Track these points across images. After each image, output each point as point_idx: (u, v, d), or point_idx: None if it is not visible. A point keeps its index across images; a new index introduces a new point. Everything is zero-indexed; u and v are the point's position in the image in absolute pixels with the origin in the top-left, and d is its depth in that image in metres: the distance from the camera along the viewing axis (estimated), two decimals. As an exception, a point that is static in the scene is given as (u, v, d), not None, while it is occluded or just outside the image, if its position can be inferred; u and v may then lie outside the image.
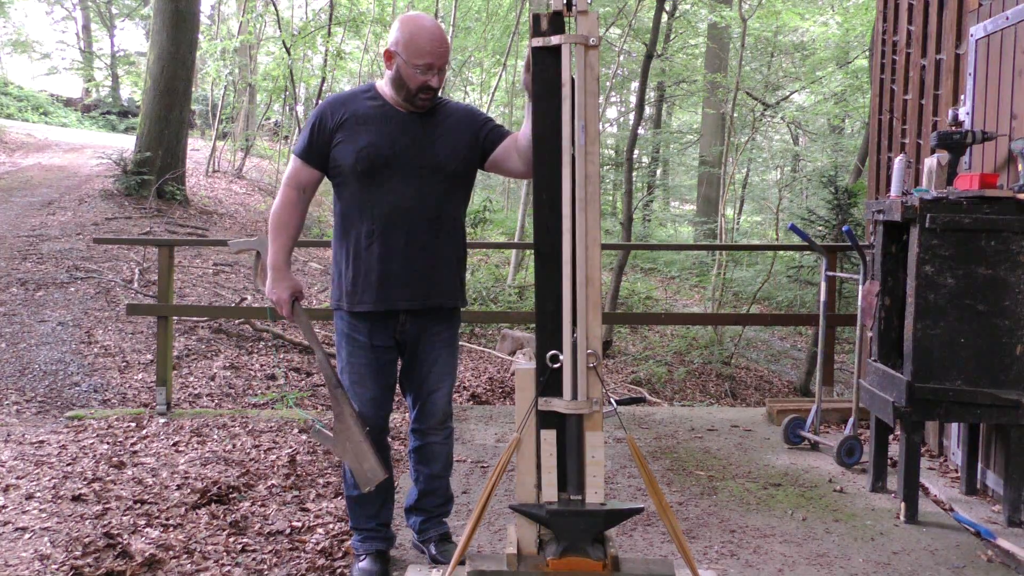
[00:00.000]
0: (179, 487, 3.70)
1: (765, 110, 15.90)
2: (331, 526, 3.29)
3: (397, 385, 2.89)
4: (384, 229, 2.66)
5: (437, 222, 2.70)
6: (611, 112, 25.10)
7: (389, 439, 2.90)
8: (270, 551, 3.06)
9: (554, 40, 2.38)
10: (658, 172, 23.27)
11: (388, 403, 2.83)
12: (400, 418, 4.93)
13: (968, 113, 3.95)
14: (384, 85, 2.73)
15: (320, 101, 15.18)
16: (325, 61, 14.49)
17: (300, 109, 17.85)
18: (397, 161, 2.65)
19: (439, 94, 2.73)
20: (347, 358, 2.77)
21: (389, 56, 2.65)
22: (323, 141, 2.70)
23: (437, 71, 2.61)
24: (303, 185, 2.76)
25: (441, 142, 2.69)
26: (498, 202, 19.63)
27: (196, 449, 4.32)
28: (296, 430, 4.71)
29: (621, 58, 18.54)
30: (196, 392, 6.35)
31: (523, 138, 2.64)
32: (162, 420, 4.93)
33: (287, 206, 2.76)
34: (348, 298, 2.73)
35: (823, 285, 4.66)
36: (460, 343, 2.96)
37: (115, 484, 3.74)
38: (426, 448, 2.88)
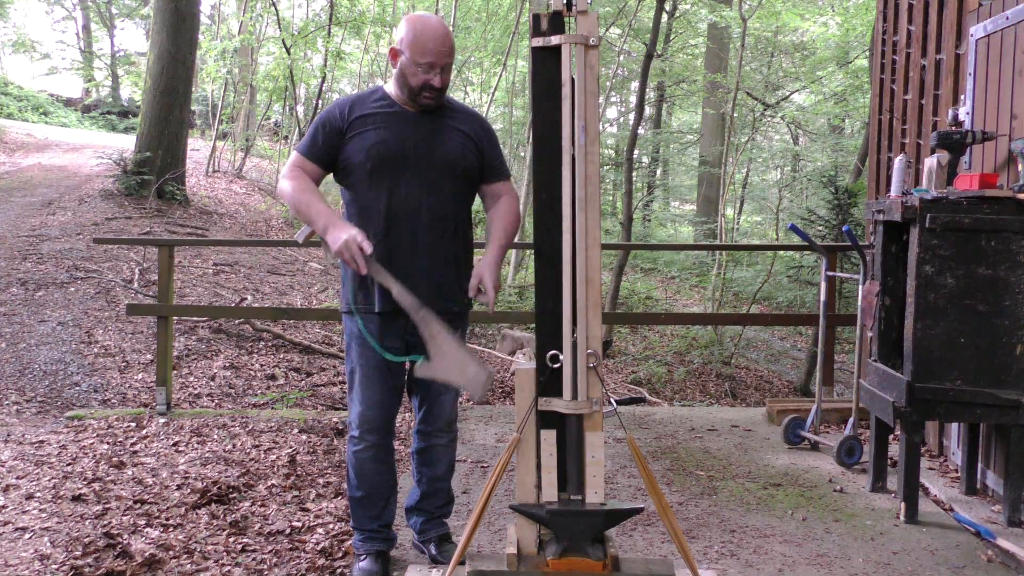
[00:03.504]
0: (179, 487, 3.70)
1: (765, 110, 15.90)
2: (331, 526, 3.29)
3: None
4: (390, 229, 2.65)
5: (443, 223, 2.70)
6: (611, 112, 25.10)
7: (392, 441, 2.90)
8: (270, 551, 3.06)
9: (554, 40, 2.38)
10: (658, 172, 23.26)
11: (395, 406, 2.82)
12: (400, 418, 4.93)
13: (968, 113, 3.95)
14: (391, 85, 2.73)
15: (320, 101, 15.20)
16: (325, 61, 14.49)
17: (300, 109, 17.86)
18: (406, 160, 2.64)
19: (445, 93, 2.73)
20: (356, 359, 2.75)
21: (394, 54, 2.65)
22: (330, 141, 2.68)
23: (440, 70, 2.60)
24: (307, 175, 2.71)
25: (451, 143, 2.69)
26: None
27: (196, 449, 4.32)
28: (296, 430, 4.71)
29: (621, 58, 18.54)
30: (196, 392, 6.35)
31: (495, 211, 2.77)
32: (162, 420, 4.93)
33: (303, 181, 2.66)
34: (356, 299, 2.72)
35: (823, 285, 4.66)
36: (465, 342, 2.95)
37: (115, 484, 3.74)
38: (430, 450, 2.88)
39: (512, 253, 13.52)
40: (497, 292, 2.71)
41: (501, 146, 2.96)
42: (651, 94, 18.88)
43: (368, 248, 2.51)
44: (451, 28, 15.52)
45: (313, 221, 2.61)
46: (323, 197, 2.70)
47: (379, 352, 2.70)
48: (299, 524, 3.30)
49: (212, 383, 6.57)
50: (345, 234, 2.51)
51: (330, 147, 2.69)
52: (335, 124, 2.67)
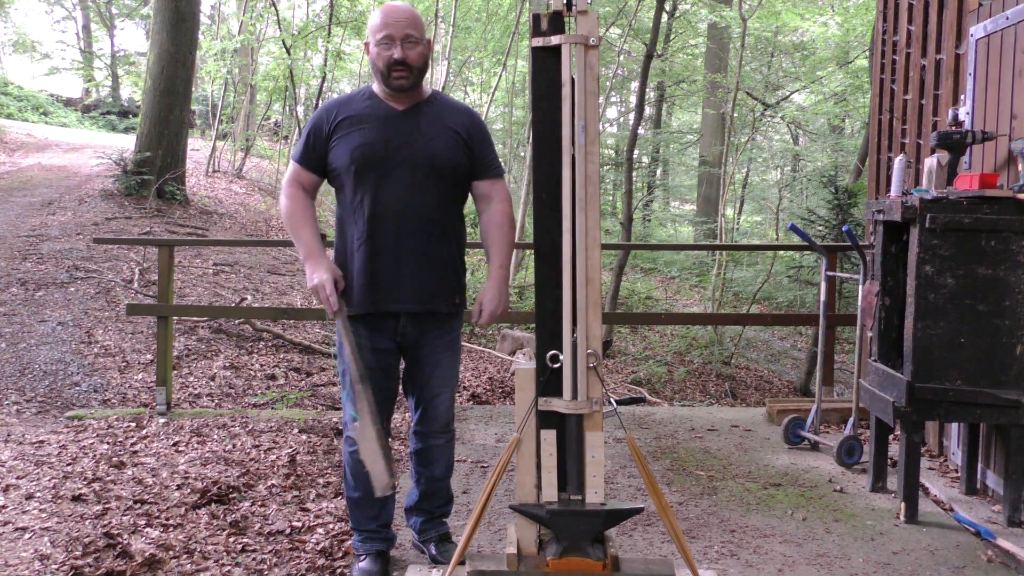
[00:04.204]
0: (179, 487, 3.70)
1: (765, 110, 15.89)
2: (331, 526, 3.29)
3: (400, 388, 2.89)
4: (374, 231, 2.64)
5: (430, 224, 2.68)
6: (611, 112, 25.11)
7: (389, 440, 2.89)
8: (270, 551, 3.06)
9: (554, 40, 2.38)
10: (658, 172, 23.27)
11: (389, 406, 2.82)
12: (400, 418, 4.93)
13: (968, 113, 3.95)
14: (376, 83, 2.73)
15: (320, 101, 15.22)
16: (325, 61, 14.50)
17: (300, 109, 17.86)
18: (391, 160, 2.63)
19: (423, 77, 2.69)
20: (349, 360, 2.75)
21: (366, 47, 2.68)
22: (320, 145, 2.69)
23: (400, 43, 2.58)
24: (304, 187, 2.75)
25: (438, 141, 2.67)
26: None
27: (196, 449, 4.32)
28: (296, 430, 4.71)
29: (621, 58, 18.54)
30: (196, 392, 6.35)
31: (487, 221, 2.76)
32: (162, 420, 4.93)
33: (298, 200, 2.72)
34: (346, 302, 2.72)
35: (823, 285, 4.66)
36: (460, 343, 2.94)
37: (115, 484, 3.74)
38: (428, 451, 2.87)
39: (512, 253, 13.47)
40: (501, 315, 2.75)
41: (497, 144, 2.95)
42: (651, 94, 18.88)
43: (334, 302, 2.59)
44: (451, 28, 15.52)
45: (297, 248, 2.69)
46: (312, 221, 2.73)
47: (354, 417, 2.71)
48: (299, 524, 3.30)
49: (212, 383, 6.58)
50: (317, 277, 2.60)
51: (320, 153, 2.70)
52: (322, 129, 2.69)
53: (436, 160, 2.66)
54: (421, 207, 2.65)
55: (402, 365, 2.85)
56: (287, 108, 18.93)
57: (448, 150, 2.67)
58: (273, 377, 6.99)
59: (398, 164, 2.63)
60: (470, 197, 2.86)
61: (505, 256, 2.76)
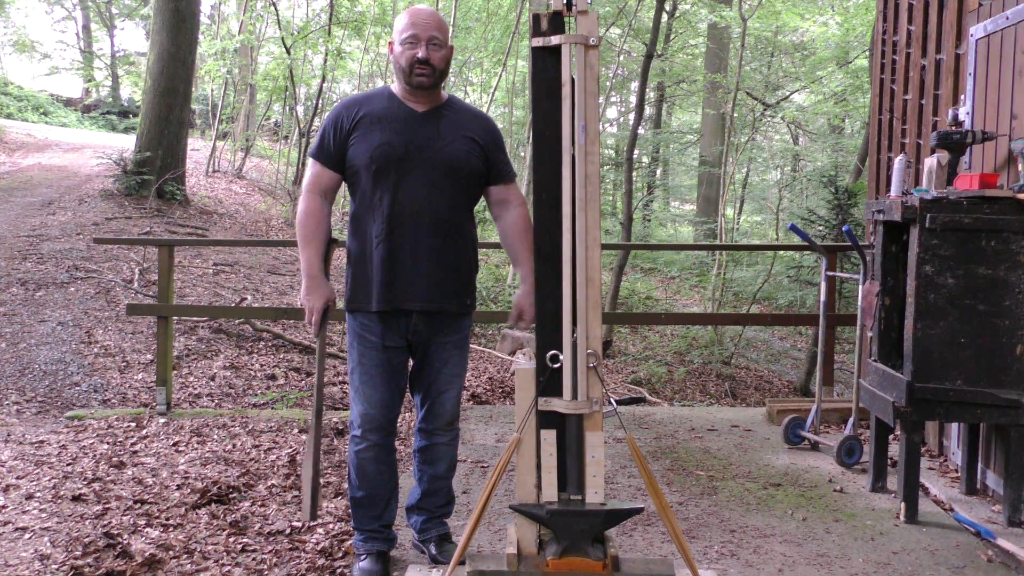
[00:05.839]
0: (179, 487, 3.70)
1: (765, 110, 15.90)
2: (331, 526, 3.29)
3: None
4: (392, 230, 2.66)
5: (445, 224, 2.70)
6: (611, 112, 25.09)
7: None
8: (270, 551, 3.06)
9: (554, 40, 2.39)
10: (658, 172, 23.26)
11: (397, 406, 2.82)
12: (401, 418, 4.93)
13: (968, 113, 3.95)
14: (396, 84, 2.75)
15: (321, 101, 15.19)
16: (325, 61, 14.51)
17: (300, 109, 17.87)
18: (410, 161, 2.65)
19: (443, 79, 2.73)
20: (358, 358, 2.76)
21: (390, 47, 2.71)
22: (339, 142, 2.71)
23: (425, 44, 2.62)
24: (324, 189, 2.76)
25: (455, 144, 2.70)
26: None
27: (196, 449, 4.32)
28: (296, 430, 4.71)
29: (621, 58, 18.55)
30: (196, 392, 6.35)
31: (510, 227, 2.81)
32: (162, 420, 4.93)
33: (312, 214, 2.75)
34: (356, 298, 2.74)
35: (823, 285, 4.66)
36: (469, 343, 2.99)
37: (115, 484, 3.74)
38: (432, 449, 2.87)
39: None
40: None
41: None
42: (651, 94, 18.88)
43: (316, 328, 2.76)
44: (451, 28, 15.55)
45: (302, 260, 2.76)
46: (321, 236, 2.76)
47: None
48: (299, 524, 3.30)
49: (212, 383, 6.58)
50: (310, 301, 2.73)
51: (339, 149, 2.71)
52: (342, 125, 2.70)
53: (453, 164, 2.68)
54: (438, 208, 2.68)
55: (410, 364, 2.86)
56: (287, 108, 18.94)
57: (465, 155, 2.70)
58: (273, 377, 6.98)
59: (417, 165, 2.65)
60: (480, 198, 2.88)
61: (533, 261, 2.80)
